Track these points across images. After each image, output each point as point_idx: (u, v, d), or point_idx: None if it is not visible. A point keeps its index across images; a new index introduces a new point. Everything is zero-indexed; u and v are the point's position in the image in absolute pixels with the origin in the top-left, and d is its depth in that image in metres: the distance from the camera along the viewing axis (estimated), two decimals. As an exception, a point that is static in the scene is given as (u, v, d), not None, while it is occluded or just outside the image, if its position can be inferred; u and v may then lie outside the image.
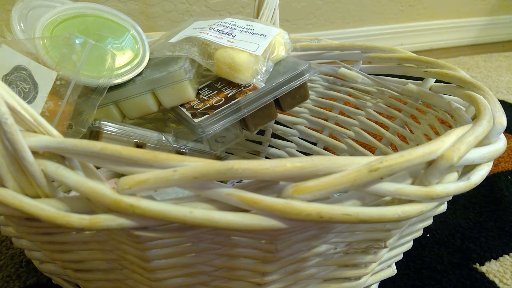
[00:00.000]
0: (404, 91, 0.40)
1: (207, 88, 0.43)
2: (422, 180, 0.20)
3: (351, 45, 0.45)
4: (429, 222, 0.30)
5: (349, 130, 0.49)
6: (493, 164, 0.58)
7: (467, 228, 0.44)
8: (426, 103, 0.38)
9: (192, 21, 0.49)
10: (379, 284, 0.34)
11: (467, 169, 0.22)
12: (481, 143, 0.22)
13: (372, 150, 0.48)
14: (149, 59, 0.41)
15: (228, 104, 0.38)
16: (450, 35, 1.37)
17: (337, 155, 0.51)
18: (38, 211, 0.18)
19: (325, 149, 0.52)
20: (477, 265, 0.39)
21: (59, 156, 0.19)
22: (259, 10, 0.50)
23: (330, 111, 0.50)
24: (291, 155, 0.55)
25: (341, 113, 0.50)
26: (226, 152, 0.56)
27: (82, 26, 0.37)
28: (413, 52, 0.39)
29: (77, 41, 0.33)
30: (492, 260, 0.40)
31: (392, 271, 0.32)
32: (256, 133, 0.49)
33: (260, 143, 0.57)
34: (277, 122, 0.55)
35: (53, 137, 0.19)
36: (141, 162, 0.17)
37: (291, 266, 0.24)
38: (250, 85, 0.40)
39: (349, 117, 0.48)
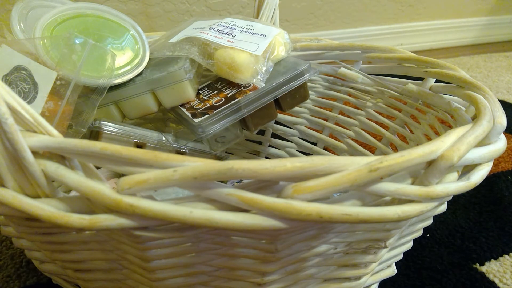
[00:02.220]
0: (404, 91, 0.40)
1: (207, 88, 0.43)
2: (422, 180, 0.20)
3: (351, 45, 0.45)
4: (429, 222, 0.30)
5: (349, 130, 0.49)
6: (493, 164, 0.58)
7: (467, 228, 0.44)
8: (426, 103, 0.38)
9: (192, 21, 0.48)
10: (379, 284, 0.34)
11: (467, 169, 0.22)
12: (481, 143, 0.22)
13: (372, 150, 0.48)
14: (149, 59, 0.41)
15: (228, 104, 0.38)
16: (450, 35, 1.37)
17: (337, 155, 0.51)
18: (38, 211, 0.18)
19: (325, 149, 0.52)
20: (477, 265, 0.39)
21: (59, 156, 0.19)
22: (259, 10, 0.50)
23: (330, 111, 0.50)
24: (291, 155, 0.55)
25: (341, 113, 0.50)
26: (226, 152, 0.56)
27: (82, 26, 0.37)
28: (413, 52, 0.39)
29: (77, 41, 0.33)
30: (492, 260, 0.40)
31: (392, 271, 0.32)
32: (256, 133, 0.49)
33: (260, 143, 0.57)
34: (277, 122, 0.55)
35: (53, 137, 0.19)
36: (141, 162, 0.17)
37: (291, 266, 0.24)
38: (250, 85, 0.40)
39: (349, 117, 0.48)
